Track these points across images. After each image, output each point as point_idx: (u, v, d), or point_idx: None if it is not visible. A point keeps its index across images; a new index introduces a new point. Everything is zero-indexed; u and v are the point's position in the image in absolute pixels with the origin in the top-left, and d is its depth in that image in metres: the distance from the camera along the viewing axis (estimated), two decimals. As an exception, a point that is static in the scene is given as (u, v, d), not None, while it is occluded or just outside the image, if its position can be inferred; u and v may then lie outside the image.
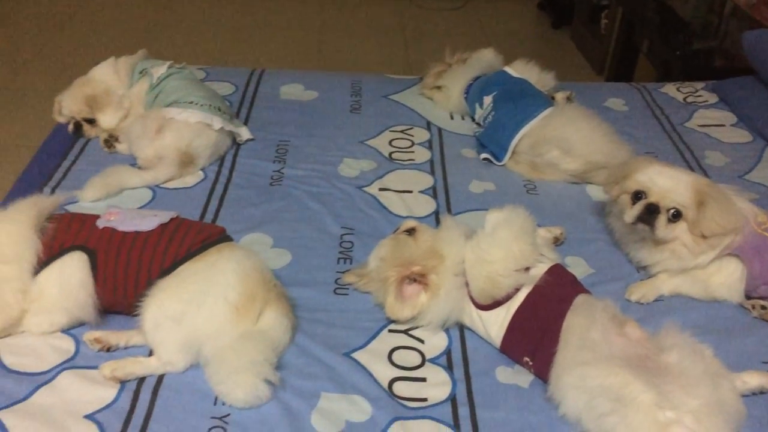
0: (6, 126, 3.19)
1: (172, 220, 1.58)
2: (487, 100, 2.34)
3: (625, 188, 1.75)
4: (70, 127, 2.24)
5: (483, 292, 1.54)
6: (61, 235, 1.53)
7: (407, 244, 1.64)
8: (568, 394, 1.35)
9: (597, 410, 1.30)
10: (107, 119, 2.22)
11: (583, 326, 1.41)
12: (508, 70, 2.40)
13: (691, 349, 1.38)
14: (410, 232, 1.68)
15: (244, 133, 2.26)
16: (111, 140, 2.19)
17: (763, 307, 1.67)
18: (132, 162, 2.11)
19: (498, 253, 1.53)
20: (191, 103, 2.14)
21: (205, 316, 1.45)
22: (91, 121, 2.23)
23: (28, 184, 2.01)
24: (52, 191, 1.98)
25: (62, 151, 2.18)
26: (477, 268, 1.55)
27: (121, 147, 2.18)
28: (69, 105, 2.23)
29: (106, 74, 2.29)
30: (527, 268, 1.54)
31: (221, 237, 1.59)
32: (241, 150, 2.24)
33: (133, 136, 2.11)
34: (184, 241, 1.53)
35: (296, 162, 2.19)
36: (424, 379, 1.49)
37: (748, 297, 1.70)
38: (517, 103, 2.23)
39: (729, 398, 1.33)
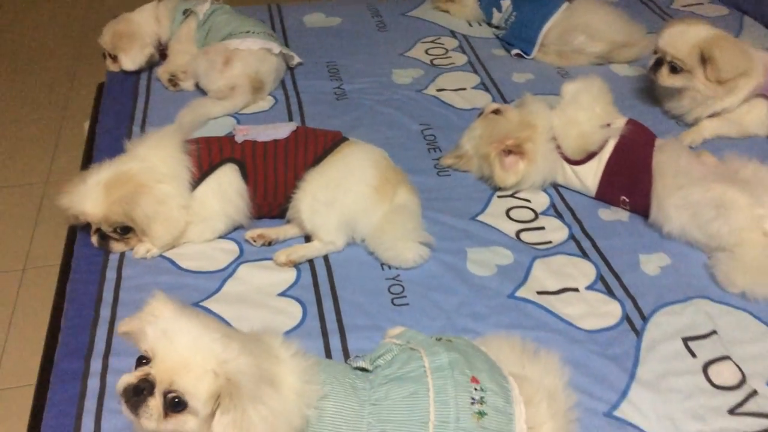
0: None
1: (298, 128, 1.76)
2: (506, 3, 2.57)
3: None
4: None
5: (577, 149, 1.81)
6: (205, 154, 1.68)
7: (498, 122, 1.88)
8: (673, 214, 1.65)
9: (702, 219, 1.61)
10: (126, 61, 2.34)
11: (672, 158, 1.71)
12: (518, -27, 2.63)
13: (756, 164, 1.70)
14: (496, 112, 1.92)
15: (296, 57, 2.41)
16: (174, 79, 2.30)
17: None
18: (197, 97, 2.23)
19: (584, 114, 1.80)
20: (248, 32, 2.27)
21: (352, 198, 1.66)
22: (114, 58, 2.36)
23: (112, 126, 2.12)
24: (141, 129, 2.10)
25: (129, 93, 2.28)
26: (567, 130, 1.82)
27: (185, 84, 2.30)
28: (102, 37, 2.35)
29: (145, 18, 2.38)
30: (608, 124, 1.82)
31: (343, 138, 1.79)
32: (296, 74, 2.39)
33: (200, 71, 2.23)
34: (317, 142, 1.72)
35: (351, 78, 2.37)
36: (543, 228, 1.76)
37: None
38: (537, 0, 2.48)
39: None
